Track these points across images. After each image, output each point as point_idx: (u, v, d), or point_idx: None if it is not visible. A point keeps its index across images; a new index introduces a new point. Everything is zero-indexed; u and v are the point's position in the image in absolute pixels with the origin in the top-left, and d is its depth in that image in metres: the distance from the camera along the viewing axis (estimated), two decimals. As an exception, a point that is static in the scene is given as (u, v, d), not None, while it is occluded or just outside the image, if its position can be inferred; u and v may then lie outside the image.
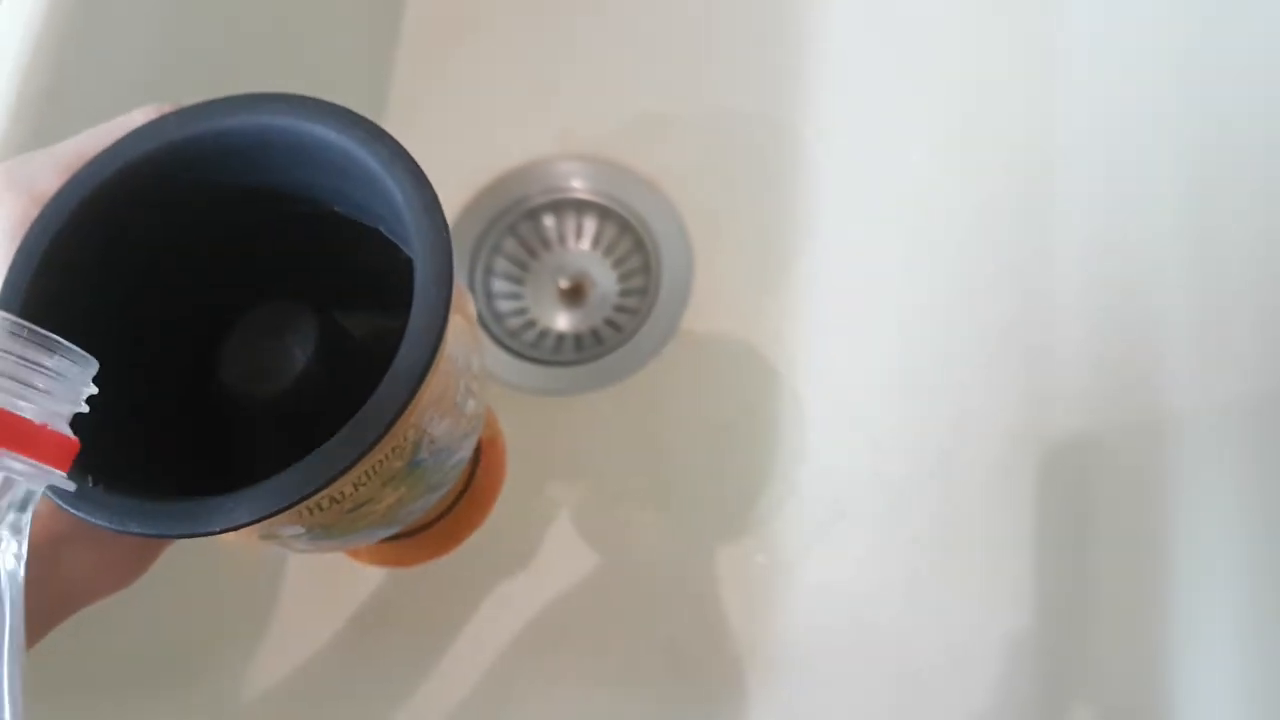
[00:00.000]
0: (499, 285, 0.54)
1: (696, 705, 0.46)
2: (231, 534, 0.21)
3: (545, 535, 0.49)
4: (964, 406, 0.48)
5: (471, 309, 0.29)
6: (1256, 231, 0.42)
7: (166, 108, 0.24)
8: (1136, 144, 0.48)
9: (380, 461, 0.22)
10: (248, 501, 0.20)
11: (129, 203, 0.23)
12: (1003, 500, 0.46)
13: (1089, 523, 0.45)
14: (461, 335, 0.25)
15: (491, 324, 0.53)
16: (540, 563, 0.48)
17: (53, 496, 0.20)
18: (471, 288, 0.53)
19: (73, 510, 0.20)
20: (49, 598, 0.23)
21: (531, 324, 0.53)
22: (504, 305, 0.53)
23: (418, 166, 0.22)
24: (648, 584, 0.48)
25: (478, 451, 0.38)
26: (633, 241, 0.54)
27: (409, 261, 0.22)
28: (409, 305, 0.22)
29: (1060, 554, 0.45)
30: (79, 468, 0.21)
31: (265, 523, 0.20)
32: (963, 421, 0.48)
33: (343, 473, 0.20)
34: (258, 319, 0.26)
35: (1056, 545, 0.45)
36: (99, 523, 0.20)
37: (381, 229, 0.26)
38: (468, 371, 0.26)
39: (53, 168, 0.23)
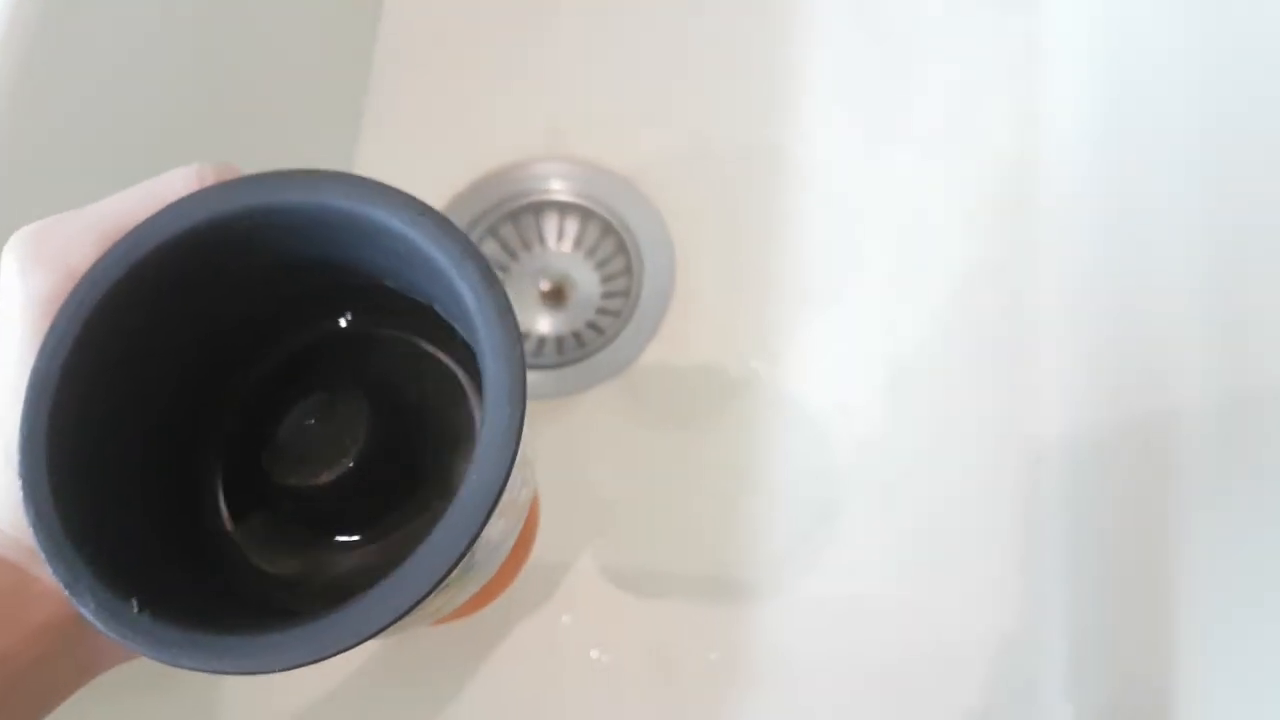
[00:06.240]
0: (480, 288, 0.53)
1: (686, 709, 0.46)
2: None
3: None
4: (951, 405, 0.48)
5: None
6: (1249, 231, 0.42)
7: (207, 170, 0.23)
8: (1122, 143, 0.48)
9: None
10: (306, 640, 0.19)
11: (167, 282, 0.22)
12: (991, 499, 0.47)
13: (1078, 520, 0.45)
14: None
15: (473, 327, 0.52)
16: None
17: (102, 627, 0.19)
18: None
19: (120, 640, 0.19)
20: (70, 668, 0.23)
21: (513, 326, 0.53)
22: (485, 308, 0.53)
23: (488, 266, 0.21)
24: (632, 588, 0.47)
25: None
26: (614, 243, 0.53)
27: (460, 339, 0.22)
28: (459, 380, 0.21)
29: (1049, 551, 0.45)
30: (122, 592, 0.19)
31: None
32: (950, 420, 0.48)
33: (411, 609, 0.19)
34: (302, 406, 0.25)
35: (1045, 543, 0.46)
36: (150, 655, 0.19)
37: (436, 308, 0.25)
38: (524, 463, 0.25)
39: (91, 238, 0.22)
